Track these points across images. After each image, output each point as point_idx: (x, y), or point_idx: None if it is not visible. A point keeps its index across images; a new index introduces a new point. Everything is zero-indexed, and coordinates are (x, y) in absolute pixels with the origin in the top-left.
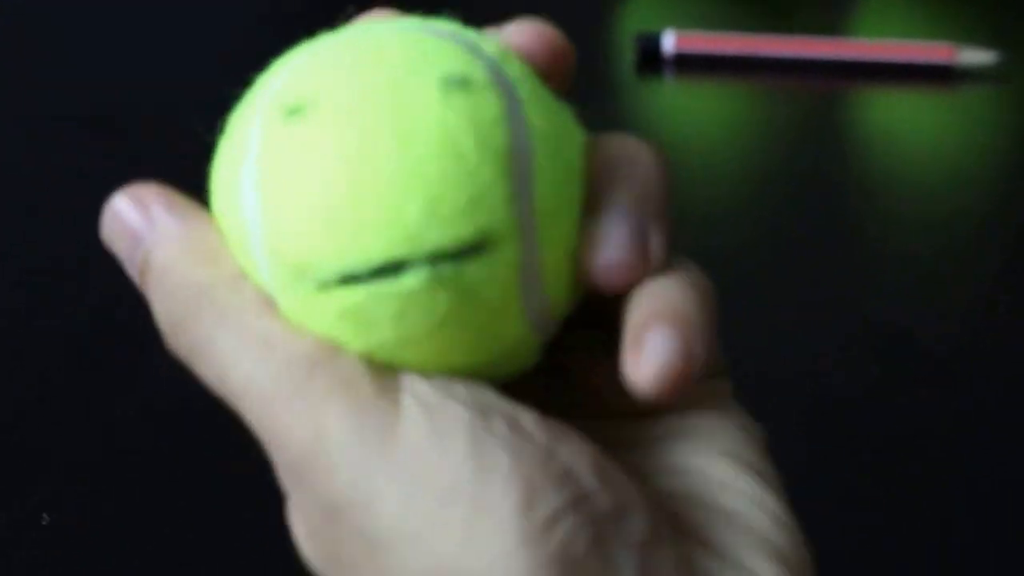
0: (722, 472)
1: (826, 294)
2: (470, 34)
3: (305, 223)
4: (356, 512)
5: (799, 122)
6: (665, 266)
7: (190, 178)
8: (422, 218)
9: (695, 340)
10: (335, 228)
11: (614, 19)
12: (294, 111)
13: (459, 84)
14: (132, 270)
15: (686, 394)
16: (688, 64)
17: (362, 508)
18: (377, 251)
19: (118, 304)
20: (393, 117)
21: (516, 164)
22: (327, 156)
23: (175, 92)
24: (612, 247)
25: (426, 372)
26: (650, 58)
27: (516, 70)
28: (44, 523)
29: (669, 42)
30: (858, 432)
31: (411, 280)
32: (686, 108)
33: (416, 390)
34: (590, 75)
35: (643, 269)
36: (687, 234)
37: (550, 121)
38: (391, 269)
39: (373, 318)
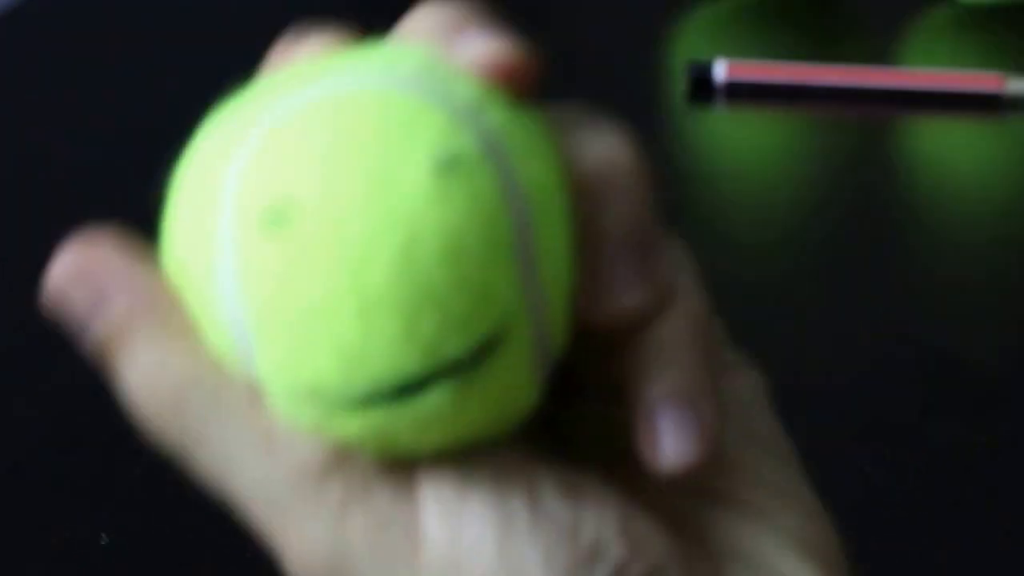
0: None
1: (875, 320)
2: (438, 73)
3: (311, 349)
4: None
5: (848, 150)
6: (672, 291)
7: None
8: (437, 330)
9: (707, 407)
10: (346, 352)
11: (665, 48)
12: (273, 220)
13: (451, 165)
14: (87, 341)
15: (714, 459)
16: (739, 93)
17: None
18: (394, 371)
19: None
20: (390, 221)
21: (520, 243)
22: (327, 277)
23: None
24: (622, 293)
25: (440, 453)
26: (701, 87)
27: (498, 116)
28: (103, 543)
29: (720, 71)
30: (907, 457)
31: (434, 396)
32: (737, 136)
33: (434, 487)
34: (641, 104)
35: (657, 304)
36: (738, 261)
37: (538, 172)
38: (411, 386)
39: (393, 431)
